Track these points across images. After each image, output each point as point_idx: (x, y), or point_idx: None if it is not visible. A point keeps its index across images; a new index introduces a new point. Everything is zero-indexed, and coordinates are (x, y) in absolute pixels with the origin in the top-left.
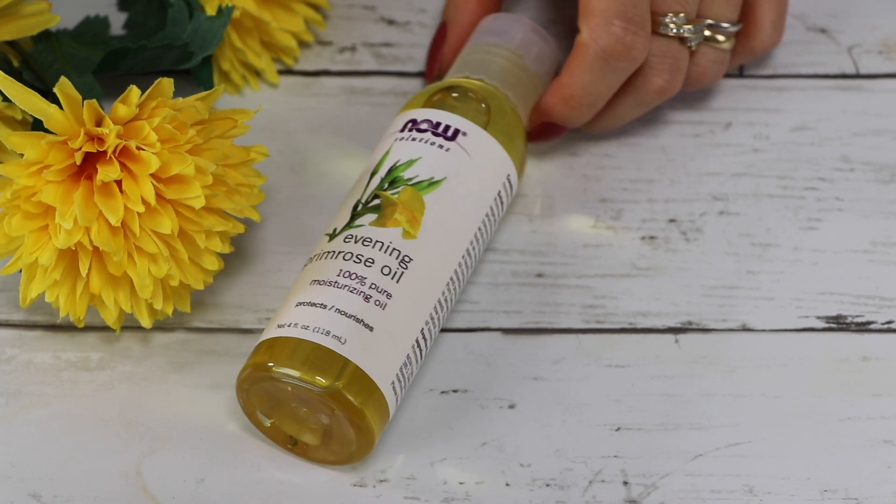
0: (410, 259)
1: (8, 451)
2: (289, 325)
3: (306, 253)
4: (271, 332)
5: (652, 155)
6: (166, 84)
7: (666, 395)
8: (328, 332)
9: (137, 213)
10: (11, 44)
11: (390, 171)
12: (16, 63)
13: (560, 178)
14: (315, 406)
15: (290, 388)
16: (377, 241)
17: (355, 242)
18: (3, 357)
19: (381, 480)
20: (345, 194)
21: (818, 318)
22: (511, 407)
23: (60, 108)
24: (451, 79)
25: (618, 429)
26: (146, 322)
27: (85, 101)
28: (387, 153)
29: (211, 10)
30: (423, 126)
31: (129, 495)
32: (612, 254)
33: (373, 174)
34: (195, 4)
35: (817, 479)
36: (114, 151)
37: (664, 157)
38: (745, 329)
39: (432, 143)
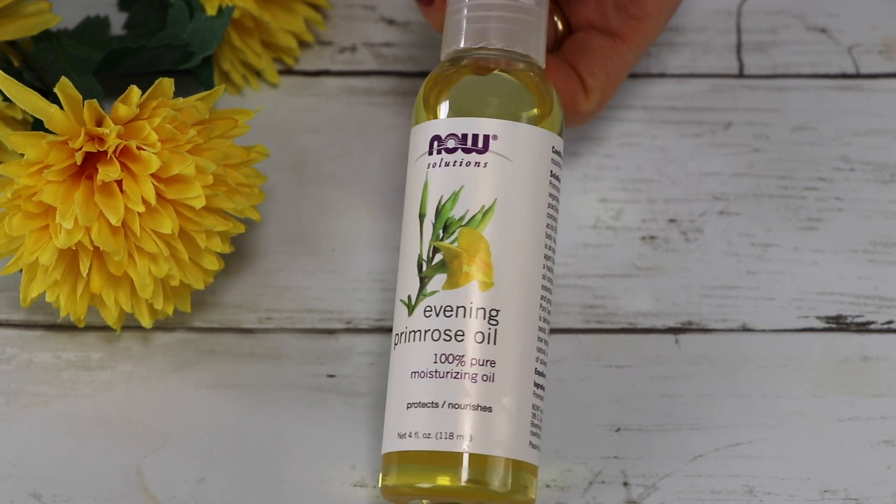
0: (498, 311)
1: (8, 451)
2: (410, 436)
3: (306, 253)
4: (393, 443)
5: (652, 155)
6: (167, 84)
7: (666, 395)
8: (451, 435)
9: (138, 212)
10: (12, 44)
11: (438, 213)
12: (16, 63)
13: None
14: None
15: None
16: (458, 307)
17: (437, 315)
18: (3, 357)
19: None
20: (344, 194)
21: (818, 318)
22: None
23: (61, 107)
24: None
25: (618, 429)
26: (146, 322)
27: (85, 101)
28: (425, 186)
29: (211, 10)
30: (451, 144)
31: (129, 495)
32: (612, 254)
33: (421, 217)
34: (195, 4)
35: (817, 480)
36: (114, 151)
37: (664, 157)
38: (745, 329)
39: (468, 164)
